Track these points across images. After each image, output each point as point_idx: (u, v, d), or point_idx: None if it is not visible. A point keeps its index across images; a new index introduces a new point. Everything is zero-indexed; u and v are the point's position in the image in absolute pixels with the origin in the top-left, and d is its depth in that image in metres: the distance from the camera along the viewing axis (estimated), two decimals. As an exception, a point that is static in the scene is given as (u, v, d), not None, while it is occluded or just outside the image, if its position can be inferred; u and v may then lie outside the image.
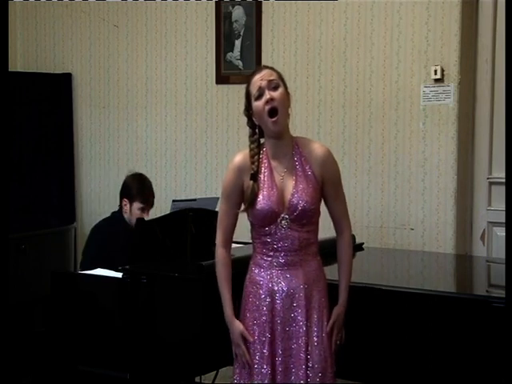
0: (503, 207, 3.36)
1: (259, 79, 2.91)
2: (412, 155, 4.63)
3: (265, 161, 2.96)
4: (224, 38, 5.20)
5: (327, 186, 2.96)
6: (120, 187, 4.44)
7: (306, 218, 2.91)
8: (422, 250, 4.55)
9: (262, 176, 2.94)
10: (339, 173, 3.02)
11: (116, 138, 5.70)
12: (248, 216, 2.97)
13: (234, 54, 5.17)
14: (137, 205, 4.34)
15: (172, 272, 3.60)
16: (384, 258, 4.42)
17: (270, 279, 2.93)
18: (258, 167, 2.94)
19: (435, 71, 4.50)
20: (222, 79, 5.23)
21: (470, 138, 4.63)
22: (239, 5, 5.13)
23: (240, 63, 5.16)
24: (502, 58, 4.22)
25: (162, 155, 5.51)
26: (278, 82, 2.92)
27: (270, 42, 5.05)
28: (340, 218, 3.02)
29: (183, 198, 5.03)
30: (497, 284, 3.66)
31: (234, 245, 4.27)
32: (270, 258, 2.94)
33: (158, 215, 4.29)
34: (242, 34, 5.14)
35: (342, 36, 4.81)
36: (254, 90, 2.91)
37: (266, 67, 3.00)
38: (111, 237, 4.27)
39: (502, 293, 3.00)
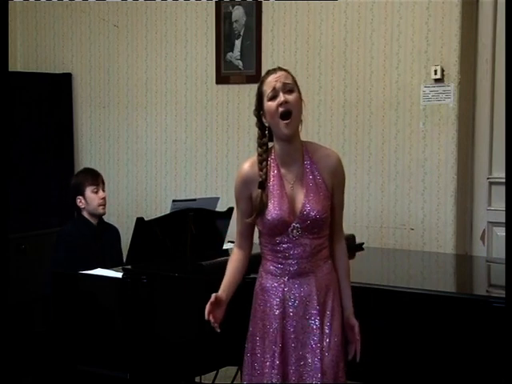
0: (503, 207, 3.36)
1: (274, 80, 2.85)
2: (412, 155, 4.63)
3: (274, 168, 2.89)
4: (224, 37, 5.20)
5: (334, 194, 2.92)
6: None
7: (318, 227, 2.86)
8: (421, 250, 4.55)
9: (270, 184, 2.88)
10: (345, 181, 2.98)
11: (116, 138, 5.70)
12: (257, 225, 2.91)
13: (234, 54, 5.17)
14: (89, 190, 4.32)
15: (172, 272, 3.61)
16: (384, 258, 4.42)
17: (282, 287, 2.88)
18: (267, 175, 2.88)
19: (435, 71, 4.50)
20: (222, 79, 5.23)
21: (470, 138, 4.64)
22: (239, 5, 5.13)
23: (240, 63, 5.16)
24: (502, 58, 4.22)
25: (162, 155, 5.51)
26: (293, 86, 2.86)
27: (270, 42, 5.05)
28: (339, 227, 2.99)
29: (183, 198, 5.03)
30: (497, 284, 3.66)
31: (233, 245, 4.30)
32: (281, 266, 2.88)
33: (158, 215, 4.29)
34: (242, 33, 5.14)
35: (342, 36, 4.81)
36: (267, 90, 2.84)
37: (281, 69, 2.92)
38: (79, 239, 4.26)
39: (501, 293, 3.00)
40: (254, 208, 2.88)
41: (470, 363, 3.09)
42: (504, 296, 2.87)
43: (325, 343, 2.85)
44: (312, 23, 4.91)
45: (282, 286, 2.88)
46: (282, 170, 2.90)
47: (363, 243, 4.31)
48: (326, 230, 2.91)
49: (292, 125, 2.83)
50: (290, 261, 2.87)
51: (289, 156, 2.90)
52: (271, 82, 2.86)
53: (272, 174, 2.89)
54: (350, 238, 3.86)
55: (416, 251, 4.52)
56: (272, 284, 2.90)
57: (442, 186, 4.56)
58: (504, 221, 3.00)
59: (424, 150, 4.59)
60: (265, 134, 2.91)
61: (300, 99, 2.88)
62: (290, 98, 2.83)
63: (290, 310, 2.87)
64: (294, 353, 2.85)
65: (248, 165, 2.93)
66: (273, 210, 2.84)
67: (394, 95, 4.67)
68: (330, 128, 4.86)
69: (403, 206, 4.67)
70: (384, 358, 3.24)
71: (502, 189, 4.03)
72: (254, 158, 2.93)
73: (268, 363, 2.86)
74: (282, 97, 2.82)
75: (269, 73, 2.91)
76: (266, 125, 2.89)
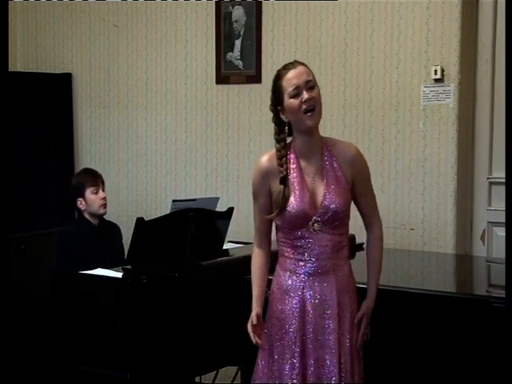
0: (503, 207, 3.36)
1: (295, 77, 2.84)
2: (412, 155, 4.63)
3: (293, 161, 2.87)
4: (224, 37, 5.20)
5: (357, 184, 2.91)
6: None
7: (338, 220, 2.84)
8: (421, 250, 4.54)
9: (291, 177, 2.85)
10: (368, 169, 2.98)
11: (116, 138, 5.70)
12: (275, 220, 2.87)
13: (234, 54, 5.17)
14: (89, 191, 4.33)
15: (172, 272, 3.61)
16: (384, 258, 4.40)
17: (301, 285, 2.84)
18: (287, 169, 2.85)
19: (435, 71, 4.50)
20: (222, 79, 5.23)
21: (470, 138, 4.63)
22: (239, 5, 5.13)
23: (240, 63, 5.16)
24: (502, 58, 4.22)
25: (162, 155, 5.51)
26: (314, 82, 2.88)
27: (270, 42, 5.05)
28: (369, 213, 2.98)
29: (183, 198, 5.03)
30: (497, 284, 3.66)
31: (233, 245, 4.30)
32: (301, 263, 2.84)
33: (158, 215, 4.29)
34: (242, 33, 5.14)
35: (342, 36, 4.81)
36: (288, 88, 2.83)
37: (300, 63, 2.91)
38: (81, 239, 4.26)
39: (501, 293, 3.00)
40: (275, 203, 2.85)
41: (470, 363, 3.09)
42: (504, 296, 2.87)
43: (345, 345, 2.83)
44: (312, 23, 4.90)
45: (302, 284, 2.84)
46: (302, 163, 2.88)
47: (363, 243, 4.29)
48: (346, 227, 2.90)
49: (315, 117, 2.83)
50: (310, 258, 2.83)
51: (309, 149, 2.88)
52: (292, 79, 2.85)
53: (292, 166, 2.87)
54: (350, 239, 3.86)
55: (416, 251, 4.52)
56: (291, 283, 2.85)
57: (442, 186, 4.55)
58: (504, 221, 3.00)
59: (424, 150, 4.59)
60: (283, 130, 2.89)
61: (319, 92, 2.89)
62: (314, 94, 2.85)
63: (310, 309, 2.83)
64: (312, 354, 2.82)
65: (266, 158, 2.91)
66: (294, 202, 2.81)
67: (394, 95, 4.67)
68: (329, 128, 4.85)
69: (403, 206, 4.67)
70: (384, 358, 3.24)
71: (502, 189, 4.03)
72: (272, 151, 2.91)
73: (287, 365, 2.82)
74: (305, 94, 2.83)
75: (287, 68, 2.89)
76: (286, 120, 2.87)
